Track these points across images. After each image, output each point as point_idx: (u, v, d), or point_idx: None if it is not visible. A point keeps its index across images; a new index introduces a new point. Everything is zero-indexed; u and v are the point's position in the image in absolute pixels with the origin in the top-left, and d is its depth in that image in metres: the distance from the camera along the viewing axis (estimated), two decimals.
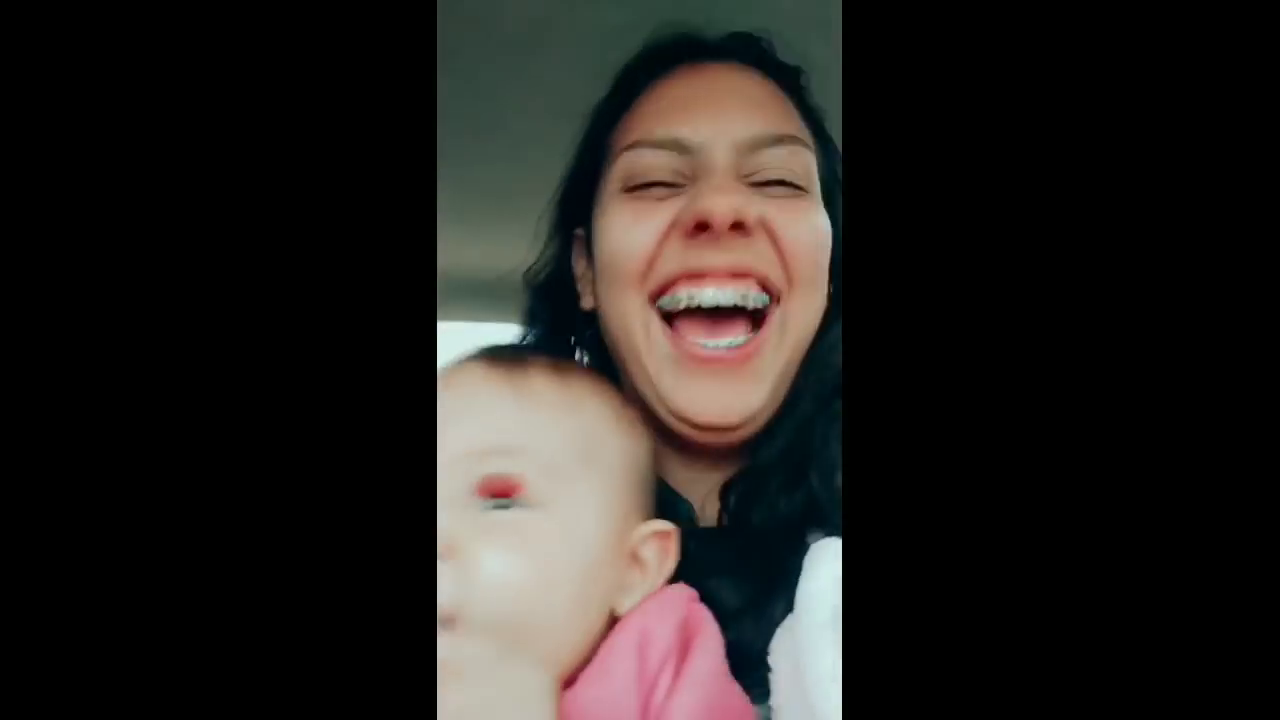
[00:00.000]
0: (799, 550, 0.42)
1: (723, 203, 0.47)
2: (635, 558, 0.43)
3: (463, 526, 0.38)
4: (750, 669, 0.40)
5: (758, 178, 0.50)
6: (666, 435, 0.51)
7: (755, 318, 0.50)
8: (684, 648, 0.39)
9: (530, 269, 0.63)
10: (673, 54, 0.56)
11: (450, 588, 0.35)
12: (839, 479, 0.46)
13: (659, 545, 0.43)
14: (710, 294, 0.49)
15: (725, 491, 0.51)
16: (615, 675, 0.38)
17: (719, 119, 0.51)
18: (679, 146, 0.50)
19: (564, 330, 0.60)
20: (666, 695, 0.37)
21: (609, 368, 0.56)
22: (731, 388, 0.49)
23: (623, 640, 0.39)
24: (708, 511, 0.52)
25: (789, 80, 0.56)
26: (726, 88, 0.53)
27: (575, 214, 0.59)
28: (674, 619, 0.40)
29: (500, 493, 0.40)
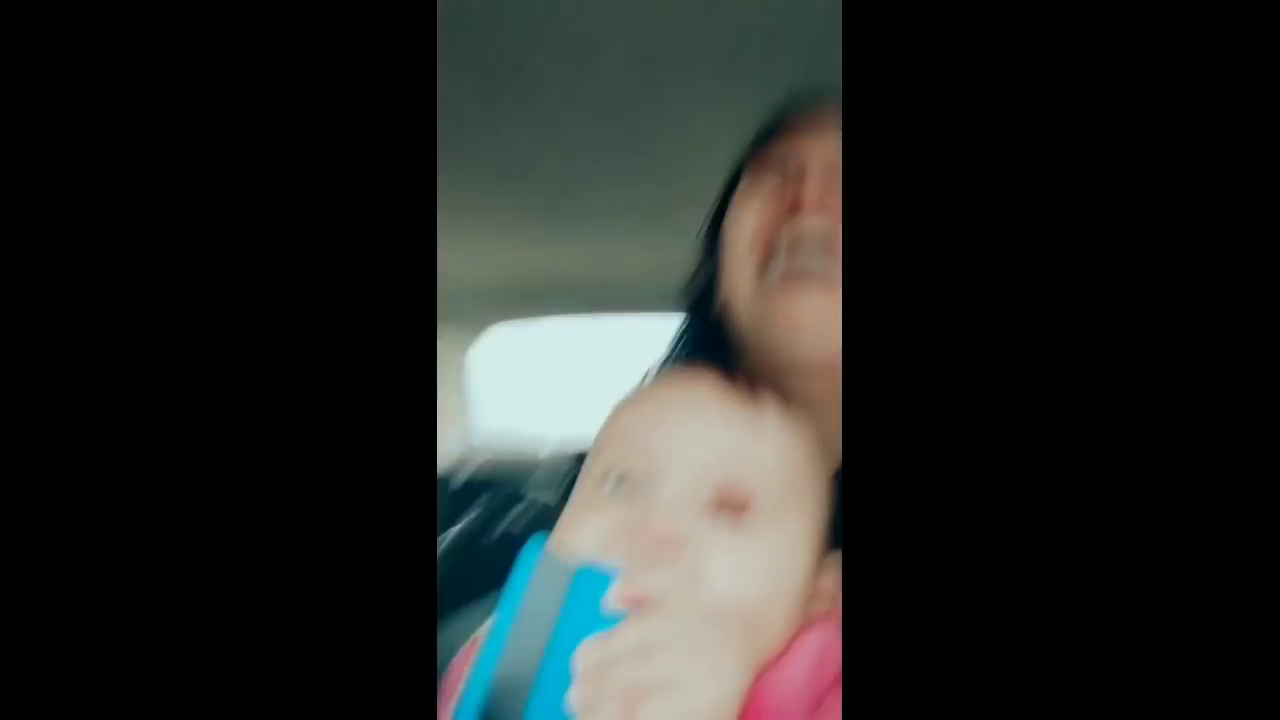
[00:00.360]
0: None
1: (816, 186, 0.60)
2: (817, 595, 0.46)
3: (694, 528, 0.42)
4: None
5: None
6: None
7: None
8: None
9: (688, 284, 0.75)
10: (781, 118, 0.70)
11: (668, 580, 0.38)
12: None
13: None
14: (803, 256, 0.59)
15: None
16: (797, 665, 0.41)
17: (817, 144, 0.64)
18: (789, 160, 0.63)
19: (710, 332, 0.69)
20: (824, 709, 0.41)
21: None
22: (812, 300, 0.58)
23: (807, 644, 0.43)
24: None
25: None
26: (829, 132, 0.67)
27: (719, 226, 0.70)
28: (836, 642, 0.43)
29: (735, 505, 0.43)
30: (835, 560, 0.47)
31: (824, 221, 0.61)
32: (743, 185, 0.68)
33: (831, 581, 0.46)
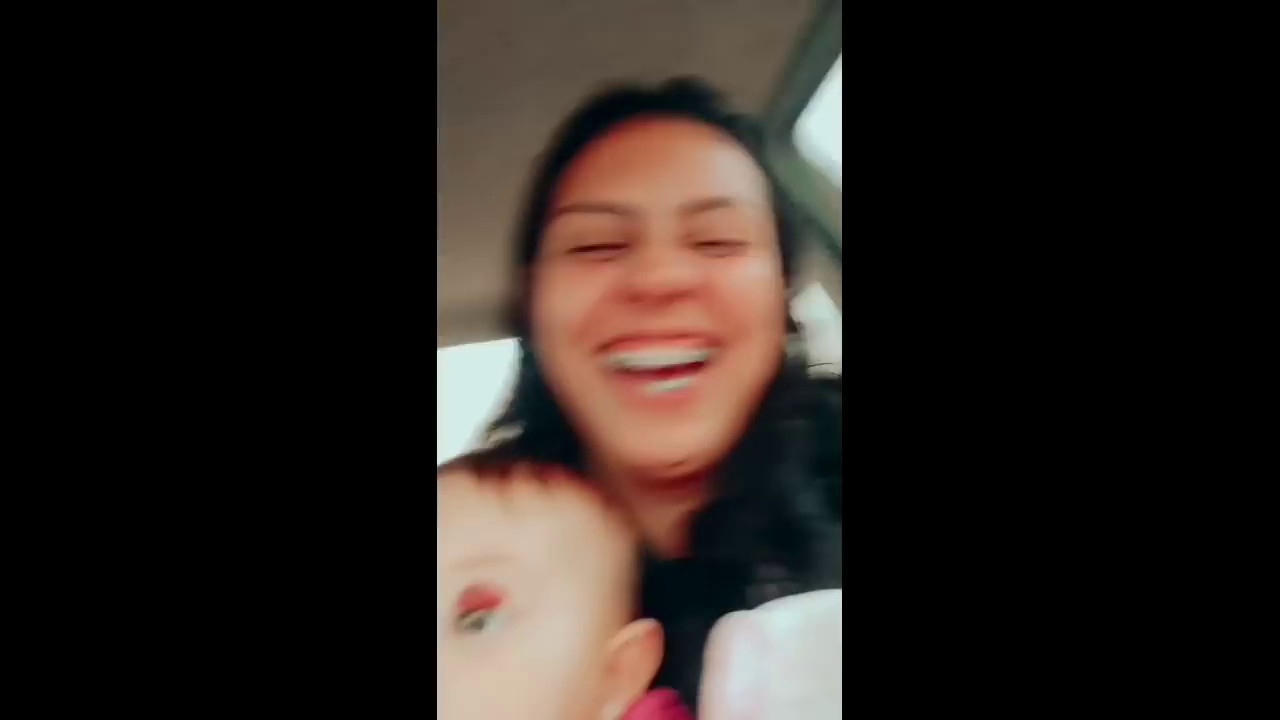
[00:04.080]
0: (755, 581, 0.44)
1: (658, 276, 0.47)
2: (614, 666, 0.42)
3: (445, 654, 0.37)
4: None
5: (698, 238, 0.50)
6: (624, 474, 0.51)
7: (699, 364, 0.50)
8: None
9: (502, 311, 0.62)
10: (612, 109, 0.56)
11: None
12: (795, 512, 0.48)
13: (639, 649, 0.43)
14: (652, 355, 0.49)
15: (684, 526, 0.51)
16: None
17: (658, 182, 0.50)
18: (618, 210, 0.50)
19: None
20: None
21: None
22: (675, 427, 0.49)
23: None
24: (668, 545, 0.52)
25: (730, 128, 0.56)
26: (666, 148, 0.53)
27: (530, 253, 0.58)
28: None
29: (481, 604, 0.39)
30: (637, 633, 0.43)
31: (677, 320, 0.49)
32: (551, 233, 0.53)
33: (631, 655, 0.42)
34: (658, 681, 0.43)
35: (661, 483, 0.50)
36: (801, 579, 0.44)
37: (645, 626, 0.43)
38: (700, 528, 0.49)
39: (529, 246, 0.57)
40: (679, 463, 0.49)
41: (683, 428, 0.48)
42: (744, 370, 0.51)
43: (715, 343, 0.50)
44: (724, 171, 0.53)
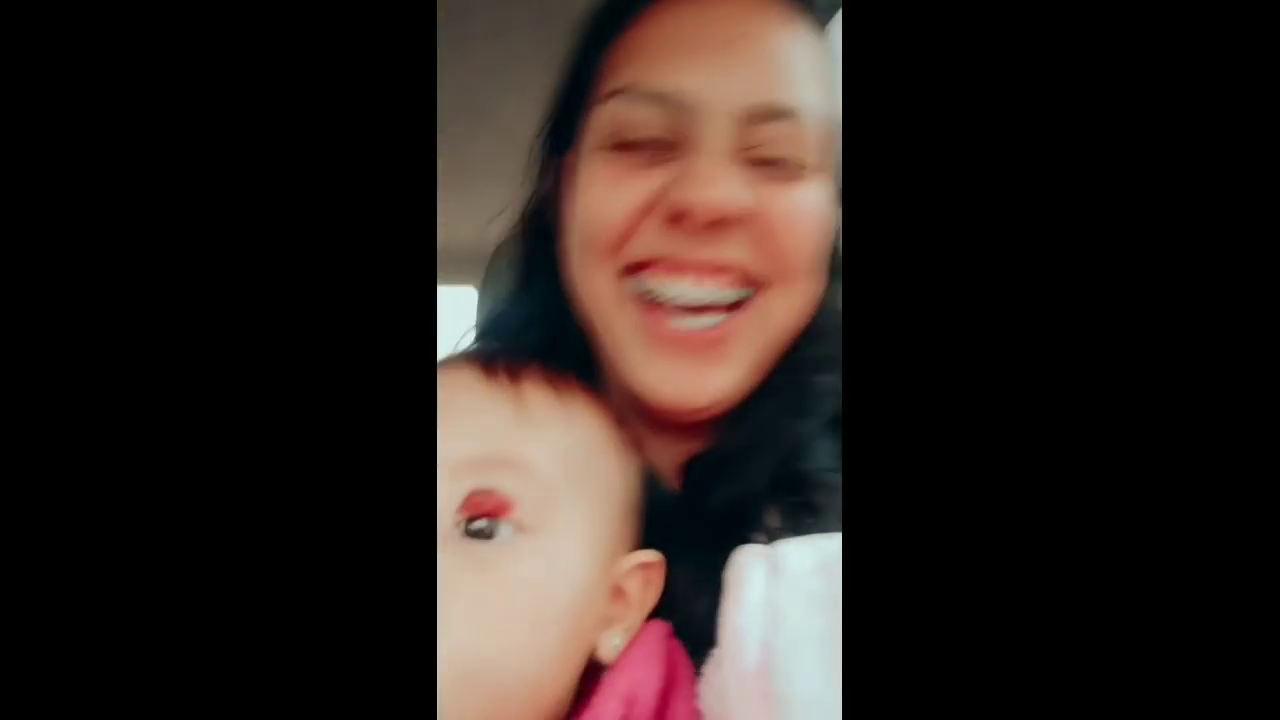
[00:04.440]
0: (755, 528, 0.43)
1: (709, 198, 0.43)
2: (619, 590, 0.40)
3: (446, 559, 0.34)
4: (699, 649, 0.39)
5: (758, 153, 0.45)
6: (634, 405, 0.48)
7: (734, 304, 0.47)
8: (666, 695, 0.38)
9: (525, 208, 0.56)
10: None
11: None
12: (807, 464, 0.47)
13: (644, 577, 0.41)
14: (686, 289, 0.45)
15: (687, 468, 0.49)
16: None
17: (720, 75, 0.44)
18: (672, 102, 0.44)
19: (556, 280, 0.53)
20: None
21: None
22: (701, 371, 0.46)
23: (610, 705, 0.37)
24: (670, 481, 0.50)
25: (806, 5, 0.49)
26: (729, 27, 0.46)
27: (565, 142, 0.52)
28: (657, 669, 0.38)
29: (489, 512, 0.36)
30: (645, 560, 0.41)
31: (719, 251, 0.44)
32: (593, 122, 0.47)
33: (636, 583, 0.41)
34: (655, 614, 0.42)
35: (673, 422, 0.48)
36: (802, 531, 0.42)
37: (651, 556, 0.42)
38: (704, 471, 0.47)
39: (564, 136, 0.51)
40: (698, 409, 0.46)
41: (708, 373, 0.46)
42: (780, 316, 0.47)
43: (754, 283, 0.46)
44: (794, 69, 0.46)
